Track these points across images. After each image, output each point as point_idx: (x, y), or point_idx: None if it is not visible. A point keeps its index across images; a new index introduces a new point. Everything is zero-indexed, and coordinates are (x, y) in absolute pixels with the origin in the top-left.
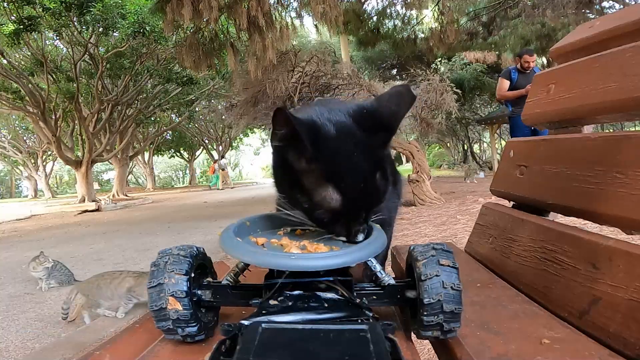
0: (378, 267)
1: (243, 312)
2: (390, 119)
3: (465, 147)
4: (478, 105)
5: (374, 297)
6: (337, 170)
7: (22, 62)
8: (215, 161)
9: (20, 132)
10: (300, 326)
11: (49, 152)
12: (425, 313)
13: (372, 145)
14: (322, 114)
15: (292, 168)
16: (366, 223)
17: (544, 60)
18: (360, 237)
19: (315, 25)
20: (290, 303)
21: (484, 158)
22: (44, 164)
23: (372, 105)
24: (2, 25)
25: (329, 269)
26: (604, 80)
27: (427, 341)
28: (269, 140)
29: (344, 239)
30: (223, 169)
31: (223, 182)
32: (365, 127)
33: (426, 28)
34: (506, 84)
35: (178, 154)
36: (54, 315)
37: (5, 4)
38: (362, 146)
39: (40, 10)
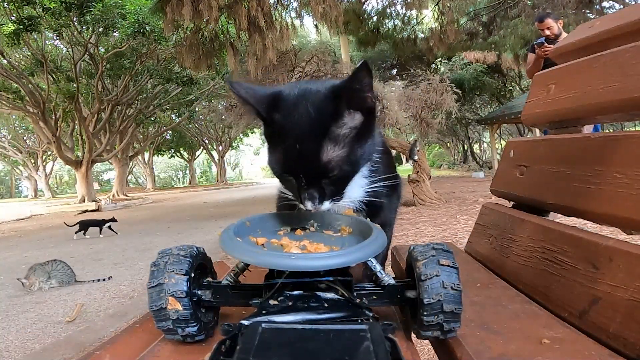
0: (378, 267)
1: (243, 312)
2: (351, 90)
3: (465, 147)
4: (478, 105)
5: (374, 297)
6: (282, 131)
7: (22, 62)
8: None
9: (20, 132)
10: (300, 326)
11: (49, 152)
12: (425, 313)
13: (326, 111)
14: (296, 87)
15: (266, 138)
16: (316, 190)
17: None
18: (309, 204)
19: (315, 25)
20: (290, 303)
21: (484, 158)
22: (44, 164)
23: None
24: (2, 25)
25: (329, 269)
26: (604, 80)
27: (427, 341)
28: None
29: (309, 205)
30: None
31: None
32: (326, 96)
33: (426, 28)
34: (532, 57)
35: (178, 154)
36: (54, 315)
37: (5, 4)
38: (314, 111)
39: (40, 10)
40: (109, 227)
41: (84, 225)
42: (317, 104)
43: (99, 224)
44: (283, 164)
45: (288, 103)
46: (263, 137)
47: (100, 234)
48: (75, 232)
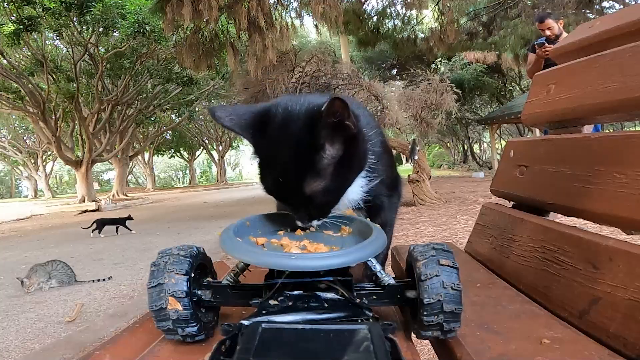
0: (378, 267)
1: (243, 312)
2: (321, 125)
3: (465, 147)
4: (478, 105)
5: (374, 297)
6: (264, 159)
7: (22, 62)
8: None
9: (20, 132)
10: (300, 326)
11: (49, 152)
12: (425, 313)
13: (307, 143)
14: (284, 104)
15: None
16: (304, 214)
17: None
18: (299, 223)
19: (315, 25)
20: (290, 303)
21: (484, 158)
22: (44, 164)
23: (322, 105)
24: (2, 25)
25: (329, 269)
26: (604, 80)
27: (427, 341)
28: None
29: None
30: None
31: None
32: (307, 124)
33: (426, 28)
34: (532, 57)
35: (178, 154)
36: (54, 315)
37: (5, 4)
38: (295, 141)
39: (40, 10)
40: (125, 225)
41: (100, 224)
42: (298, 135)
43: (116, 222)
44: (270, 189)
45: (272, 129)
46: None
47: (117, 232)
48: (92, 231)
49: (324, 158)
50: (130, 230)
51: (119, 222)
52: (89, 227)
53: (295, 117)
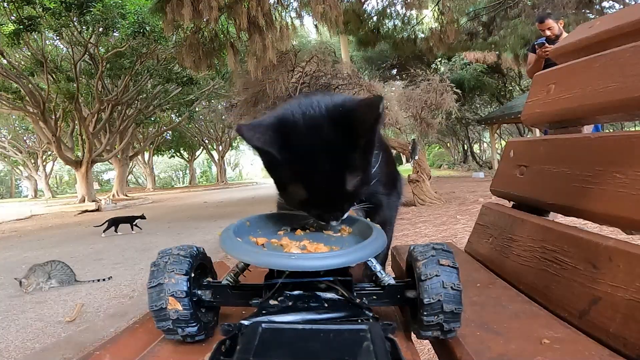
0: (378, 267)
1: (243, 312)
2: (360, 124)
3: (465, 147)
4: (478, 105)
5: (374, 297)
6: (302, 170)
7: (22, 62)
8: None
9: (20, 132)
10: (300, 326)
11: (49, 152)
12: (425, 313)
13: (344, 143)
14: (298, 110)
15: (270, 163)
16: (340, 212)
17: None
18: (334, 223)
19: (315, 25)
20: (290, 303)
21: (484, 158)
22: (44, 164)
23: (351, 105)
24: (2, 25)
25: (329, 269)
26: (604, 80)
27: (427, 341)
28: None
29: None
30: None
31: None
32: (338, 125)
33: (426, 28)
34: (532, 57)
35: (178, 154)
36: (54, 315)
37: (5, 4)
38: (331, 145)
39: (40, 10)
40: (135, 224)
41: (114, 222)
42: (334, 138)
43: (129, 220)
44: (309, 201)
45: (299, 137)
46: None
47: (132, 230)
48: (104, 230)
49: (358, 152)
50: (140, 228)
51: (132, 220)
52: (101, 225)
53: (321, 120)
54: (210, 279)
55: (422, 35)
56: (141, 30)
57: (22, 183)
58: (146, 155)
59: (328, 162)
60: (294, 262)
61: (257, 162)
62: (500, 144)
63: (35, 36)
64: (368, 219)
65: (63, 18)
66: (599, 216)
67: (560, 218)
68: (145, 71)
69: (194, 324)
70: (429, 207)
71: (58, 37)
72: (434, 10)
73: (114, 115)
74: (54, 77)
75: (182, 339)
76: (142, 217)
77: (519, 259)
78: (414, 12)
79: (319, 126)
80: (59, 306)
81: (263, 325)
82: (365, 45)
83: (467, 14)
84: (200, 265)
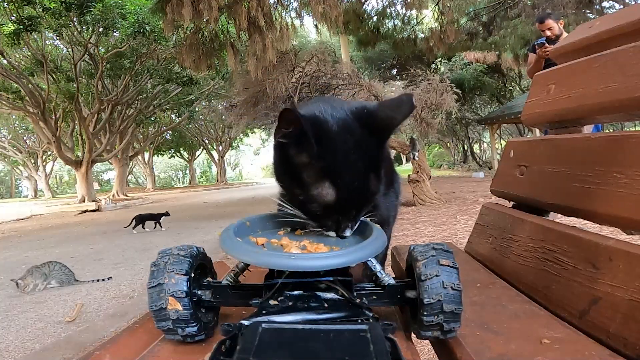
0: (378, 267)
1: (243, 312)
2: (387, 122)
3: (465, 147)
4: (478, 105)
5: (374, 297)
6: (335, 167)
7: (22, 62)
8: None
9: (20, 132)
10: (300, 326)
11: (49, 152)
12: (425, 313)
13: (370, 145)
14: (326, 111)
15: (293, 162)
16: (356, 220)
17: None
18: (348, 232)
19: (315, 25)
20: (290, 303)
21: (484, 158)
22: (44, 164)
23: (373, 107)
24: (2, 25)
25: (329, 269)
26: (604, 80)
27: (427, 341)
28: (272, 136)
29: (332, 234)
30: None
31: None
32: (364, 127)
33: (426, 28)
34: (532, 57)
35: (178, 154)
36: (54, 315)
37: (5, 4)
38: (360, 145)
39: (40, 10)
40: (159, 222)
41: (140, 220)
42: (364, 138)
43: (155, 217)
44: (339, 201)
45: (331, 137)
46: (268, 144)
47: (155, 227)
48: (133, 227)
49: (380, 152)
50: (161, 227)
51: (157, 217)
52: (129, 225)
53: (350, 120)
54: (210, 279)
55: (422, 35)
56: (141, 30)
57: (22, 183)
58: (146, 155)
59: (360, 161)
60: (293, 262)
61: (257, 162)
62: (500, 144)
63: (35, 36)
64: (368, 219)
65: (63, 18)
66: (599, 216)
67: (560, 218)
68: (145, 71)
69: (194, 324)
70: (429, 207)
71: (58, 37)
72: (434, 10)
73: (114, 115)
74: (54, 77)
75: (182, 339)
76: (167, 214)
77: (519, 259)
78: (414, 12)
79: (349, 125)
80: (59, 306)
81: (263, 325)
82: (365, 45)
83: (467, 14)
84: (200, 265)
